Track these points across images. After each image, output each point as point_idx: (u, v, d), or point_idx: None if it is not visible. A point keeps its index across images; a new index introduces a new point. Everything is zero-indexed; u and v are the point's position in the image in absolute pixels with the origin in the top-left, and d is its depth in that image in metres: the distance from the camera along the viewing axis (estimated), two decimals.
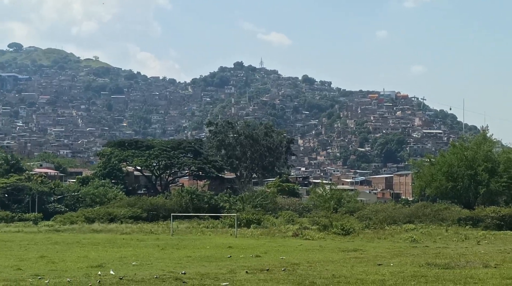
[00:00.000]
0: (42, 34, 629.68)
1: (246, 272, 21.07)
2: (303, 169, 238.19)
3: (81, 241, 40.22)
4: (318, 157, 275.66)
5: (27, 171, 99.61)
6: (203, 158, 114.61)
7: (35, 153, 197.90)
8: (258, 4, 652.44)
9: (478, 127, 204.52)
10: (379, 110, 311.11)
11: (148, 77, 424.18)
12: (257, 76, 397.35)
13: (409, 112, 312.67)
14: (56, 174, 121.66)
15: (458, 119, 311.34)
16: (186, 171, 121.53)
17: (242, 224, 54.78)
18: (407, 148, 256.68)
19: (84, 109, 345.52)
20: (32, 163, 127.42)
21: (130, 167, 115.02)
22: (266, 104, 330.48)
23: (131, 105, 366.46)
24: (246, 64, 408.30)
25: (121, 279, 19.23)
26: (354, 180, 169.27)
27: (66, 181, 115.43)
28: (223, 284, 18.12)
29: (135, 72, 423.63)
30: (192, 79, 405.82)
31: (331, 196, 74.24)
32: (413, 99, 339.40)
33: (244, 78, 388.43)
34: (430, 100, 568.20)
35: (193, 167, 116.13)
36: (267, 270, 21.61)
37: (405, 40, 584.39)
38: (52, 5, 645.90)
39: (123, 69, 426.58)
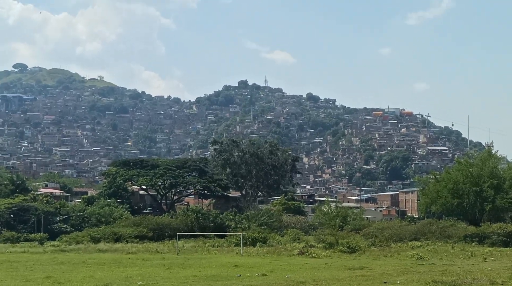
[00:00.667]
0: (46, 55, 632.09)
1: None
2: (308, 187, 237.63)
3: (87, 261, 40.22)
4: (323, 175, 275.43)
5: (32, 192, 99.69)
6: (208, 177, 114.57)
7: (40, 173, 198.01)
8: (261, 23, 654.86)
9: (483, 144, 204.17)
10: (383, 127, 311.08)
11: (153, 96, 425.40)
12: (262, 95, 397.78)
13: (414, 129, 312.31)
14: (61, 194, 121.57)
15: (463, 136, 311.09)
16: (192, 190, 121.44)
17: (248, 243, 54.70)
18: (412, 165, 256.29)
19: (89, 129, 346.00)
20: (37, 183, 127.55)
21: (136, 187, 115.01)
22: (270, 122, 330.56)
23: (136, 124, 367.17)
24: (250, 82, 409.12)
25: None
26: (359, 198, 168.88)
27: (72, 201, 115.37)
28: None
29: (140, 92, 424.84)
30: (197, 98, 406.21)
31: (337, 214, 74.18)
32: (417, 116, 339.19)
33: (248, 96, 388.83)
34: (434, 117, 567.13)
35: (198, 186, 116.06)
36: None
37: (408, 57, 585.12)
38: (56, 25, 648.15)
39: (127, 89, 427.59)
